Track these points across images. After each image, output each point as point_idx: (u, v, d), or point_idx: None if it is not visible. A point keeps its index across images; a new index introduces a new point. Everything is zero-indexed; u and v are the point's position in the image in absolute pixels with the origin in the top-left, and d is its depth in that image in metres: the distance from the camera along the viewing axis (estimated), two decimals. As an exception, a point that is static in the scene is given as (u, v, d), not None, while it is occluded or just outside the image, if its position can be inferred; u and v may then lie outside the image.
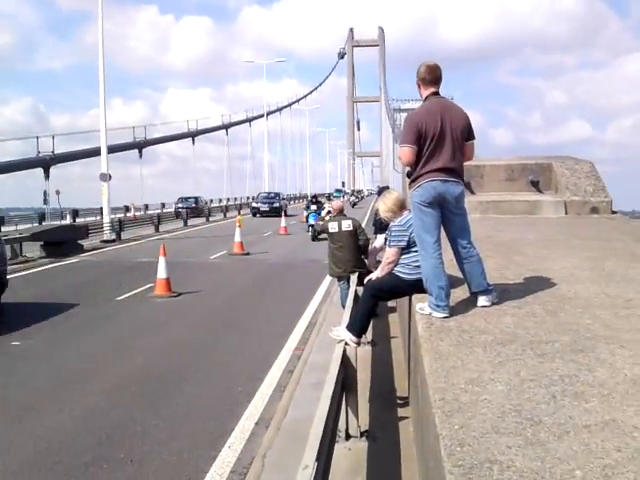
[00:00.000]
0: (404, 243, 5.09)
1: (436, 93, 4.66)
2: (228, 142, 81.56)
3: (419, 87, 4.71)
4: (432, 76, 4.64)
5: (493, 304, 4.69)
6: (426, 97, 4.66)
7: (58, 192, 40.20)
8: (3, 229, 32.54)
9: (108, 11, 28.32)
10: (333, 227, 10.23)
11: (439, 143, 4.48)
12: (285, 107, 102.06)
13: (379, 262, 7.57)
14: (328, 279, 13.73)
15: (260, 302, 12.52)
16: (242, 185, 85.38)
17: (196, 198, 53.28)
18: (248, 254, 21.36)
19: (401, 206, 5.21)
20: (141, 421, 6.29)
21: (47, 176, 40.86)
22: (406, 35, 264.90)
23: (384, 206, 5.33)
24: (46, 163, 40.97)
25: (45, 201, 38.40)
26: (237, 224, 22.93)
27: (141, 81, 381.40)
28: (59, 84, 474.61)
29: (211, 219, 43.58)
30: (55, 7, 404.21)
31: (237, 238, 22.01)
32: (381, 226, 9.03)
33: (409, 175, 4.69)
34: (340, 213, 10.63)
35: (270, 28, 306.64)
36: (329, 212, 11.50)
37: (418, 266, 4.89)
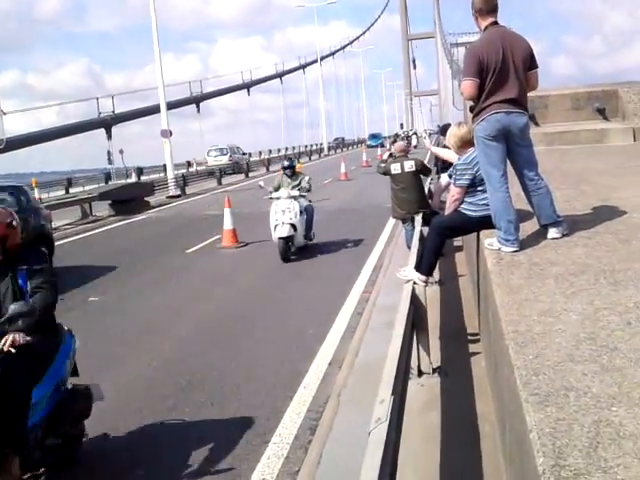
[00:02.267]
0: (468, 181, 5.03)
1: (495, 23, 4.52)
2: (283, 91, 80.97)
3: (476, 19, 4.58)
4: (489, 6, 4.50)
5: (563, 236, 4.62)
6: (485, 28, 4.53)
7: (121, 151, 40.91)
8: (71, 190, 33.53)
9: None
10: (395, 168, 10.13)
11: (501, 74, 4.36)
12: (338, 51, 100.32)
13: (444, 202, 7.52)
14: (392, 222, 13.70)
15: (325, 248, 12.62)
16: (298, 134, 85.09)
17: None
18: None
19: (466, 142, 5.13)
20: (218, 366, 6.52)
21: (109, 136, 41.63)
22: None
23: (451, 140, 5.28)
24: (107, 123, 41.72)
25: (109, 161, 39.20)
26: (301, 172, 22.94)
27: (190, 35, 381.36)
28: (112, 44, 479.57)
29: (271, 169, 43.65)
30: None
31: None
32: (443, 165, 8.90)
33: (472, 109, 4.60)
34: (403, 154, 10.51)
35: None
36: (391, 154, 11.35)
37: (485, 204, 4.84)
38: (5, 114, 33.02)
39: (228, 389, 5.91)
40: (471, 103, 4.62)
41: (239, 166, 42.60)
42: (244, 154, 49.39)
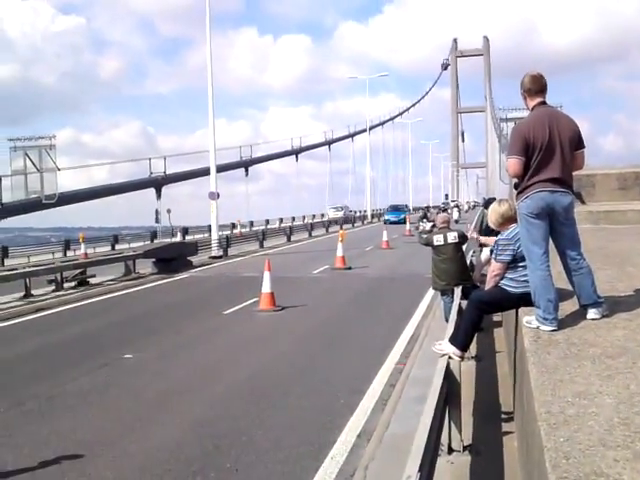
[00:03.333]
0: (509, 257, 5.00)
1: (543, 103, 4.56)
2: (330, 158, 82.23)
3: (525, 99, 4.63)
4: (537, 86, 4.55)
5: (603, 317, 4.51)
6: (533, 107, 4.57)
7: (169, 211, 41.79)
8: (117, 247, 34.25)
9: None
10: (438, 239, 10.12)
11: (547, 153, 4.37)
12: (387, 121, 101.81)
13: (484, 276, 7.45)
14: (430, 292, 13.58)
15: (362, 316, 12.55)
16: (342, 200, 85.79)
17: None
18: (350, 268, 21.45)
19: (507, 219, 5.12)
20: (247, 431, 6.44)
21: (159, 196, 42.77)
22: (504, 43, 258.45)
23: (492, 217, 5.28)
24: (158, 183, 42.94)
25: (157, 219, 40.05)
26: (339, 239, 23.10)
27: (242, 101, 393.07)
28: (166, 107, 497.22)
29: (313, 234, 44.16)
30: (157, 34, 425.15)
31: (339, 253, 22.16)
32: (487, 230, 8.87)
33: (516, 187, 4.60)
34: (446, 225, 10.52)
35: (365, 43, 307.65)
36: (434, 225, 11.40)
37: (526, 280, 4.79)
38: (59, 170, 34.31)
39: (255, 456, 5.82)
40: (516, 180, 4.63)
41: (349, 219, 59.63)
42: (351, 211, 69.62)
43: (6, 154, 33.06)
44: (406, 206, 69.54)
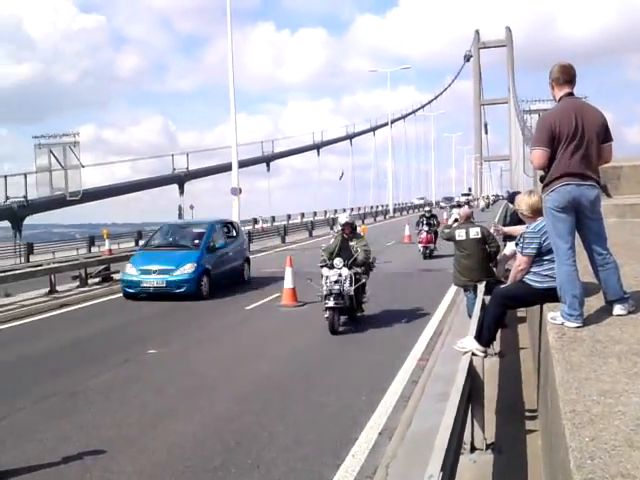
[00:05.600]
0: (535, 251, 4.92)
1: (570, 94, 4.48)
2: (352, 152, 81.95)
3: (552, 88, 4.54)
4: (566, 76, 4.47)
5: (629, 313, 4.42)
6: (560, 98, 4.48)
7: (192, 207, 41.96)
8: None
9: (226, 31, 29.39)
10: (460, 234, 10.02)
11: (573, 145, 4.28)
12: (410, 114, 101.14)
13: (508, 271, 7.35)
14: (453, 288, 13.47)
15: (384, 311, 12.47)
16: (363, 194, 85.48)
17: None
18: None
19: (536, 211, 5.04)
20: (268, 427, 6.44)
21: (182, 191, 43.05)
22: (525, 34, 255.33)
23: (521, 206, 5.21)
24: (181, 179, 43.19)
25: (180, 215, 40.24)
26: (361, 233, 22.95)
27: (261, 96, 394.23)
28: (186, 103, 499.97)
29: (335, 229, 44.03)
30: (175, 31, 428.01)
31: (361, 248, 22.04)
32: (513, 219, 8.77)
33: (542, 179, 4.52)
34: (468, 220, 10.41)
35: (383, 36, 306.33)
36: (456, 219, 11.29)
37: (550, 275, 4.71)
38: (84, 167, 34.64)
39: (276, 452, 5.81)
40: (541, 172, 4.55)
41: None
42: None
43: (31, 151, 33.53)
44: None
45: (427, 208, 26.37)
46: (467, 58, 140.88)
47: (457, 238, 10.06)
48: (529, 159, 6.42)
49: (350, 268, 11.03)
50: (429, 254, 22.50)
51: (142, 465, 5.62)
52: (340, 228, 11.97)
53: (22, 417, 7.04)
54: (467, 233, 9.96)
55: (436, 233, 21.90)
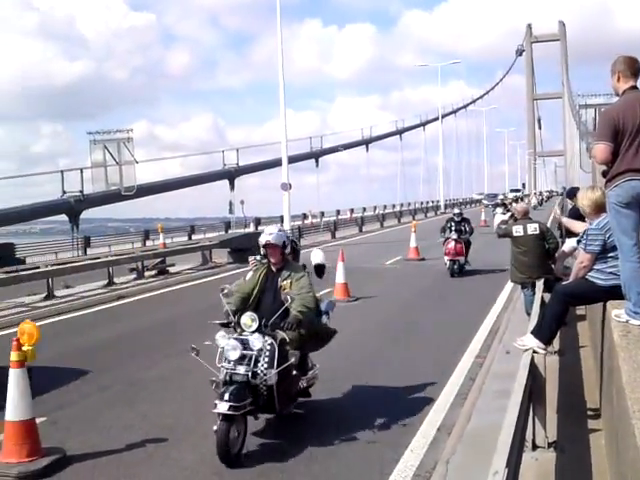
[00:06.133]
0: (599, 248, 4.84)
1: (634, 87, 4.39)
2: (401, 148, 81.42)
3: (618, 79, 4.46)
4: (632, 68, 4.39)
5: (699, 311, 4.31)
6: (624, 91, 4.40)
7: (242, 202, 42.35)
8: (193, 237, 35.00)
9: (275, 28, 29.63)
10: (517, 231, 9.87)
11: (637, 140, 4.20)
12: (460, 109, 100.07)
13: (567, 268, 7.23)
14: (510, 285, 13.29)
15: (438, 307, 12.41)
16: (413, 190, 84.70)
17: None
18: (423, 259, 21.26)
19: (599, 207, 4.95)
20: (320, 424, 6.50)
21: (232, 187, 43.49)
22: (578, 27, 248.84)
23: (583, 203, 5.13)
24: (231, 175, 43.65)
25: (230, 210, 40.65)
26: (412, 229, 22.89)
27: (309, 92, 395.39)
28: (235, 99, 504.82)
29: (385, 224, 43.99)
30: (224, 28, 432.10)
31: (412, 244, 21.99)
32: (568, 230, 8.58)
33: (604, 174, 4.44)
34: (525, 216, 10.25)
35: (431, 31, 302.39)
36: (512, 215, 11.13)
37: (614, 272, 4.63)
38: (137, 163, 35.30)
39: (332, 446, 5.84)
40: (604, 167, 4.47)
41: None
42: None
43: (86, 147, 34.34)
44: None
45: (456, 210, 19.15)
46: (519, 52, 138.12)
47: (514, 234, 9.90)
48: (590, 154, 6.31)
49: (274, 331, 6.13)
50: (458, 270, 17.23)
51: (202, 453, 5.72)
52: (262, 253, 6.99)
53: (88, 404, 7.28)
54: (525, 229, 9.80)
55: (468, 242, 17.78)
